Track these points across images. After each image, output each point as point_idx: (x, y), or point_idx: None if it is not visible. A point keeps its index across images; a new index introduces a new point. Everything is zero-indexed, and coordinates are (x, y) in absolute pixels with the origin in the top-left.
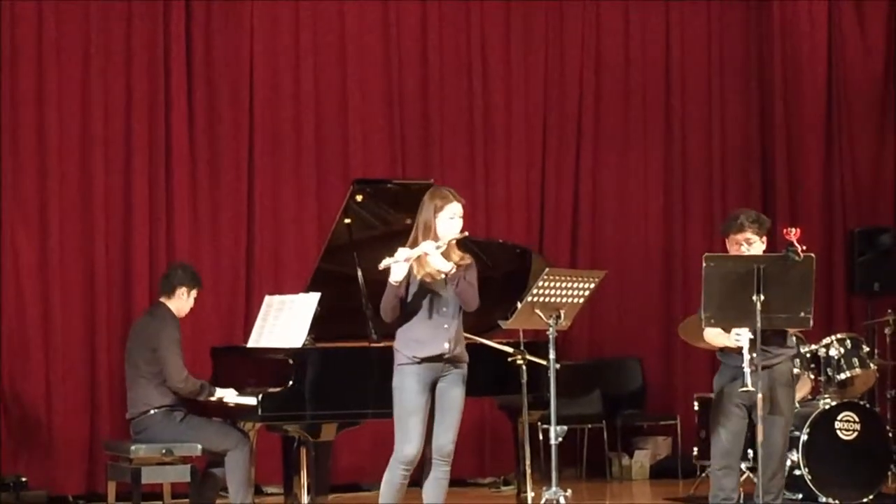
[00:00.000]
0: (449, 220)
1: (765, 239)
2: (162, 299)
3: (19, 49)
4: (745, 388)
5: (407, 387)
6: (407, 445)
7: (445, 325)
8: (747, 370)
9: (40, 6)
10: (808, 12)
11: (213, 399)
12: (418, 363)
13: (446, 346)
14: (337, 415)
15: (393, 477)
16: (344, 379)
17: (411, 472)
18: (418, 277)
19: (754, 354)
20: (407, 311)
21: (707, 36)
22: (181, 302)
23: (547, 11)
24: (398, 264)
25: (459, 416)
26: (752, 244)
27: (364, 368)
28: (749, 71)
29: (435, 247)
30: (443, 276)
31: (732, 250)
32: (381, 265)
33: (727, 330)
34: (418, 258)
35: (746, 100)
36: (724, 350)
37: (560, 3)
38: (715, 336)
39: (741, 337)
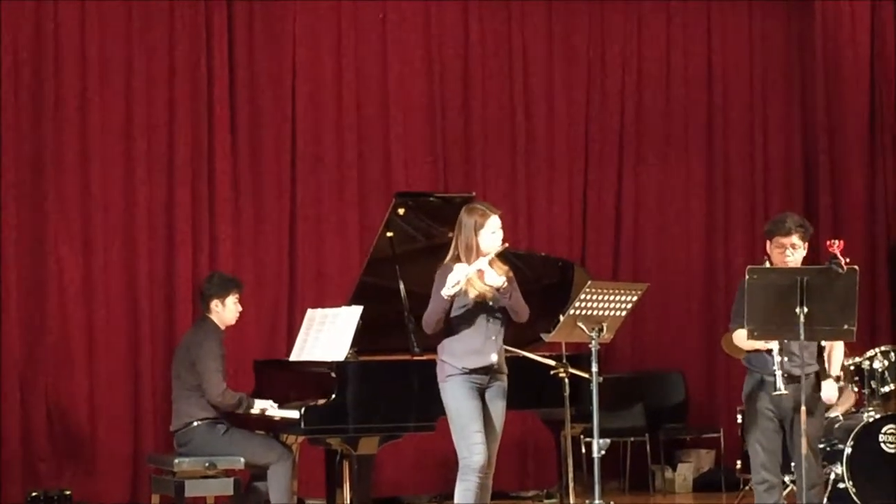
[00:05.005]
0: (491, 234)
1: (806, 245)
2: (205, 313)
3: (62, 66)
4: (778, 392)
5: (460, 395)
6: (476, 455)
7: (493, 337)
8: (778, 373)
9: (83, 23)
10: (851, 20)
11: (253, 412)
12: (467, 374)
13: (493, 357)
14: (379, 428)
15: (469, 485)
16: (386, 392)
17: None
18: (468, 293)
19: (785, 358)
20: (454, 323)
21: (749, 46)
22: (220, 313)
23: (589, 23)
24: (454, 278)
25: (501, 428)
26: (796, 249)
27: (406, 382)
28: (791, 81)
29: (487, 262)
30: (493, 290)
31: (776, 253)
32: (451, 291)
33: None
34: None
35: (789, 110)
36: (751, 353)
37: (602, 15)
38: (743, 338)
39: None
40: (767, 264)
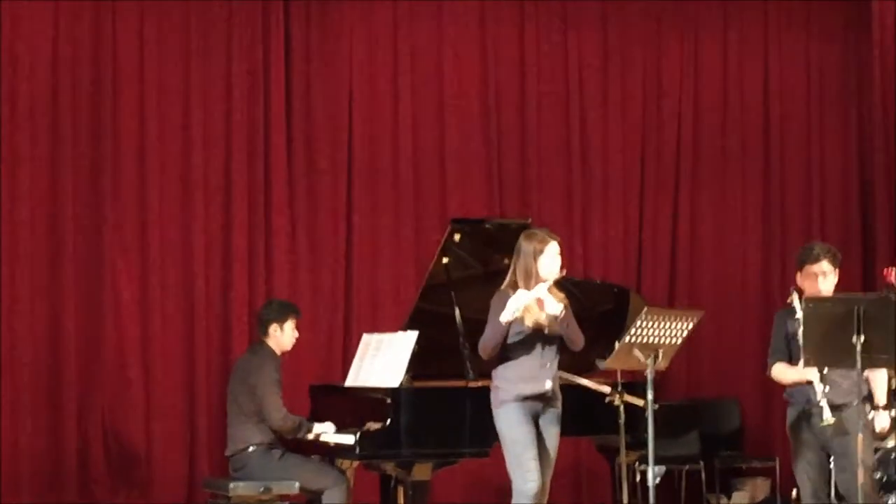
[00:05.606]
0: (550, 261)
1: (837, 272)
2: (262, 338)
3: (120, 85)
4: (825, 423)
5: (515, 421)
6: (530, 482)
7: (548, 364)
8: (824, 403)
9: (142, 42)
10: None
11: (310, 436)
12: (522, 400)
13: (548, 384)
14: (433, 454)
15: None
16: (441, 418)
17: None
18: (525, 320)
19: (826, 387)
20: (510, 349)
21: (806, 69)
22: (278, 338)
23: (644, 50)
24: (515, 304)
25: (555, 455)
26: (827, 276)
27: (461, 408)
28: (849, 109)
29: (546, 289)
30: (551, 318)
31: (807, 282)
32: (510, 317)
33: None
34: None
35: (846, 138)
36: (791, 387)
37: (658, 39)
38: (782, 372)
39: (810, 371)
40: (795, 296)
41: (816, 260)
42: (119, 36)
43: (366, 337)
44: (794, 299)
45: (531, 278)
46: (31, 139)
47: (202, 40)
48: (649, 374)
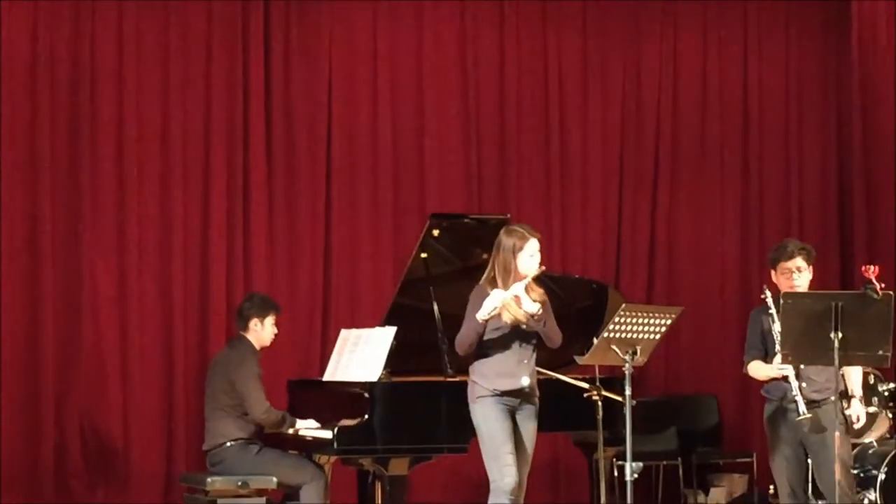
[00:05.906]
0: (529, 258)
1: (811, 268)
2: (242, 333)
3: (99, 84)
4: (801, 417)
5: (491, 416)
6: (507, 477)
7: (525, 360)
8: (799, 398)
9: (121, 41)
10: (887, 43)
11: (292, 431)
12: (498, 395)
13: (525, 380)
14: (412, 449)
15: None
16: (419, 413)
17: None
18: (502, 316)
19: (803, 383)
20: (487, 345)
21: (785, 75)
22: (258, 333)
23: (624, 50)
24: (491, 304)
25: (532, 450)
26: (801, 272)
27: (439, 403)
28: (828, 109)
29: (523, 287)
30: (528, 316)
31: (782, 280)
32: (486, 315)
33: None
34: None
35: (825, 137)
36: (768, 383)
37: (638, 36)
38: (758, 368)
39: (785, 367)
40: (769, 294)
41: (791, 257)
42: (98, 35)
43: (344, 332)
44: (768, 297)
45: (510, 274)
46: (8, 138)
47: (181, 40)
48: (627, 370)
